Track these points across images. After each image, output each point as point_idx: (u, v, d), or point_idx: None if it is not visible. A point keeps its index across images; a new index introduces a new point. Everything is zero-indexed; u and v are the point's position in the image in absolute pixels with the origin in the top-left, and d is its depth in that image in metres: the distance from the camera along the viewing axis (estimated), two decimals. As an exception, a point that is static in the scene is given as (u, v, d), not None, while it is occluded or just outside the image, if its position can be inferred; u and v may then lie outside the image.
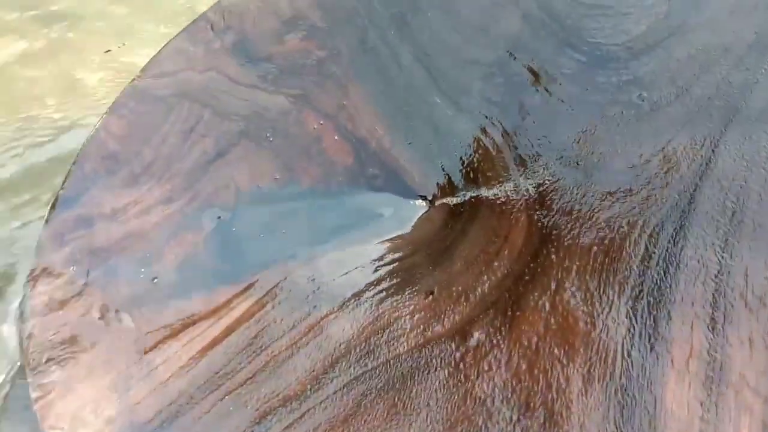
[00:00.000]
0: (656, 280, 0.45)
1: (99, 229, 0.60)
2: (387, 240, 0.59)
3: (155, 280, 0.57)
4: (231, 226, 0.60)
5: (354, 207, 0.61)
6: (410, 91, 0.65)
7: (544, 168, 0.55)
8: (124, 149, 0.65)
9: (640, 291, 0.45)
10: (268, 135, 0.65)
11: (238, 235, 0.59)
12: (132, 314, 0.54)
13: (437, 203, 0.61)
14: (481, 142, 0.60)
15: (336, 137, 0.64)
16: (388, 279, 0.55)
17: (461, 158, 0.61)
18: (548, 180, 0.54)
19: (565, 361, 0.43)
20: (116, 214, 0.61)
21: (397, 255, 0.57)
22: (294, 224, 0.60)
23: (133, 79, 0.71)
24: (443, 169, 0.61)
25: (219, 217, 0.61)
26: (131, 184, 0.63)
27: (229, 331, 0.53)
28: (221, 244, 0.59)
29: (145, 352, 0.52)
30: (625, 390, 0.41)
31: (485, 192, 0.58)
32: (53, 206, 0.62)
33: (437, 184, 0.61)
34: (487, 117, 0.60)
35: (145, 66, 0.72)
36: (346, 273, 0.56)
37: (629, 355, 0.42)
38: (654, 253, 0.46)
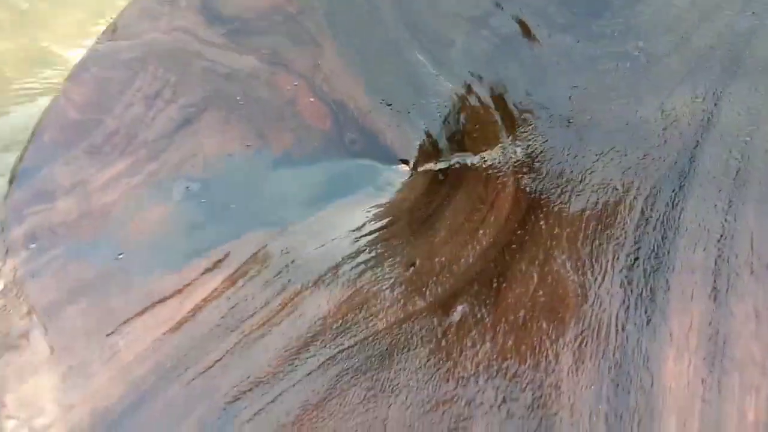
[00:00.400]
0: (653, 247, 0.41)
1: (59, 205, 0.56)
2: (366, 209, 0.55)
3: (120, 256, 0.53)
4: (200, 198, 0.56)
5: (331, 174, 0.57)
6: (390, 48, 0.60)
7: (533, 129, 0.51)
8: (85, 118, 0.61)
9: (636, 259, 0.41)
10: (238, 99, 0.61)
11: (208, 207, 0.55)
12: (94, 294, 0.51)
13: (420, 169, 0.57)
14: (466, 103, 0.56)
15: (311, 99, 0.60)
16: (366, 251, 0.51)
17: (445, 120, 0.57)
18: (537, 141, 0.50)
19: (554, 337, 0.40)
20: (77, 187, 0.57)
21: (376, 225, 0.53)
22: (267, 194, 0.56)
23: (96, 43, 0.66)
24: (426, 133, 0.57)
25: (187, 188, 0.57)
26: (93, 155, 0.59)
27: (197, 309, 0.49)
28: (190, 217, 0.55)
29: (108, 335, 0.48)
30: (620, 367, 0.38)
31: (471, 156, 0.54)
32: (11, 181, 0.58)
33: (420, 148, 0.57)
34: (472, 74, 0.56)
35: (108, 27, 0.67)
36: (323, 245, 0.52)
37: (624, 329, 0.39)
38: (651, 217, 0.42)
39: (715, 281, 0.38)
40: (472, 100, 0.55)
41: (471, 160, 0.54)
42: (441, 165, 0.56)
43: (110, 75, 0.63)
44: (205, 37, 0.64)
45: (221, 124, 0.60)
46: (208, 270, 0.51)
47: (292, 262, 0.51)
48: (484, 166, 0.53)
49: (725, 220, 0.40)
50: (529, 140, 0.51)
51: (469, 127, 0.55)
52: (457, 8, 0.58)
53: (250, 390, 0.44)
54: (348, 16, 0.62)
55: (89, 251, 0.53)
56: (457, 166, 0.55)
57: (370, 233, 0.53)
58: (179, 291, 0.50)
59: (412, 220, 0.53)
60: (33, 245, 0.54)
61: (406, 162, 0.57)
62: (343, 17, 0.62)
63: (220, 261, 0.52)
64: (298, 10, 0.64)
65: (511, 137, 0.52)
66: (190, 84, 0.61)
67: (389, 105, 0.58)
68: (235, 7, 0.65)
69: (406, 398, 0.41)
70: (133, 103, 0.61)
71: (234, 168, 0.57)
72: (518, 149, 0.51)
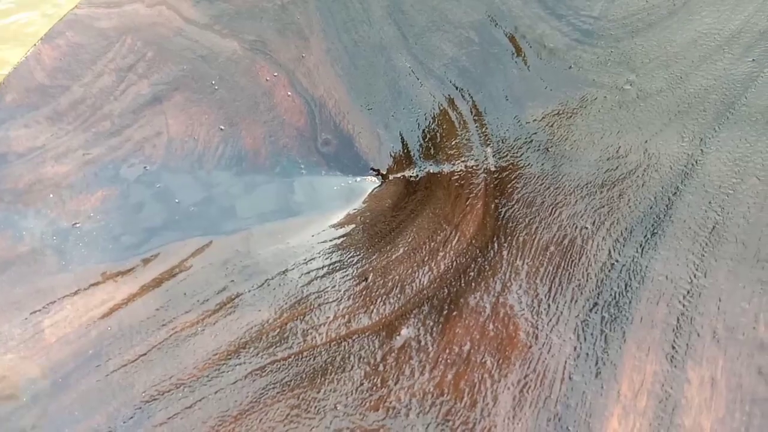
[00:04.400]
0: (615, 294, 0.38)
1: (10, 169, 0.53)
2: (330, 217, 0.52)
3: (76, 224, 0.50)
4: (155, 182, 0.53)
5: (297, 175, 0.54)
6: (378, 50, 0.57)
7: (510, 152, 0.48)
8: (53, 82, 0.58)
9: (595, 304, 0.38)
10: (213, 83, 0.58)
11: (162, 192, 0.52)
12: (26, 268, 0.48)
13: (391, 177, 0.54)
14: (447, 115, 0.53)
15: (289, 93, 0.57)
16: (320, 258, 0.48)
17: (424, 130, 0.54)
18: (513, 166, 0.47)
19: (496, 377, 0.37)
20: (32, 153, 0.54)
21: (336, 233, 0.51)
22: (226, 186, 0.53)
23: (75, 6, 0.64)
24: (402, 140, 0.54)
25: (145, 168, 0.54)
26: (54, 121, 0.56)
27: (131, 298, 0.46)
28: (140, 202, 0.52)
29: (32, 312, 0.45)
30: (560, 420, 0.35)
31: (444, 170, 0.51)
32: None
33: (393, 156, 0.54)
34: (457, 87, 0.53)
35: (91, -8, 0.64)
36: (275, 246, 0.49)
37: (570, 378, 0.36)
38: (617, 261, 0.40)
39: (674, 341, 0.35)
40: (453, 114, 0.52)
41: (444, 175, 0.51)
42: (412, 176, 0.53)
43: (85, 41, 0.60)
44: (189, 15, 0.61)
45: (191, 106, 0.57)
46: (150, 258, 0.49)
47: (240, 261, 0.48)
48: (455, 184, 0.50)
49: (694, 276, 0.37)
50: (505, 163, 0.48)
51: (445, 141, 0.52)
52: (450, 17, 0.55)
53: (169, 391, 0.41)
54: (339, 12, 0.59)
55: (29, 223, 0.50)
56: (428, 179, 0.52)
57: (328, 241, 0.50)
58: (117, 276, 0.47)
59: (374, 233, 0.50)
60: (-26, 208, 0.51)
61: (377, 172, 0.54)
62: (335, 12, 0.59)
63: (164, 252, 0.49)
64: (290, -1, 0.61)
65: (486, 157, 0.49)
66: (166, 61, 0.59)
67: (369, 108, 0.55)
68: (225, -13, 0.62)
69: (331, 423, 0.38)
70: (103, 73, 0.58)
71: (196, 154, 0.55)
72: (492, 171, 0.48)
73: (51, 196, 0.52)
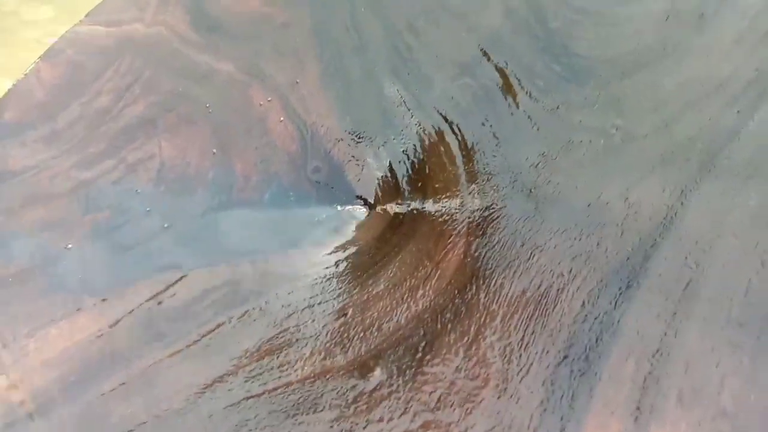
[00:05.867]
0: (585, 347, 0.38)
1: (4, 187, 0.54)
2: (315, 245, 0.53)
3: (69, 246, 0.51)
4: (145, 206, 0.54)
5: (286, 203, 0.55)
6: (371, 77, 0.57)
7: (494, 190, 0.48)
8: (52, 101, 0.59)
9: (565, 357, 0.38)
10: (207, 105, 0.58)
11: (151, 215, 0.53)
12: (17, 288, 0.49)
13: (379, 207, 0.54)
14: (435, 150, 0.53)
15: (281, 118, 0.58)
16: (302, 290, 0.49)
17: (412, 163, 0.54)
18: (496, 205, 0.48)
19: (463, 426, 0.37)
20: (27, 172, 0.55)
21: (320, 264, 0.51)
22: (215, 213, 0.54)
23: (77, 24, 0.64)
24: (391, 171, 0.55)
25: (137, 191, 0.55)
26: (51, 141, 0.57)
27: (114, 324, 0.47)
28: (130, 223, 0.53)
29: (23, 335, 0.46)
30: (521, 475, 0.35)
31: (430, 206, 0.52)
32: (-40, 155, 0.57)
33: (382, 187, 0.54)
34: (446, 120, 0.53)
35: (91, 11, 0.65)
36: (259, 277, 0.50)
37: (535, 433, 0.36)
38: (590, 313, 0.40)
39: (640, 400, 0.35)
40: (442, 148, 0.53)
41: (430, 209, 0.51)
42: (399, 209, 0.53)
43: (85, 60, 0.61)
44: (187, 36, 0.62)
45: (186, 129, 0.57)
46: (137, 286, 0.49)
47: (223, 292, 0.49)
48: (440, 219, 0.50)
49: (665, 333, 0.37)
50: (489, 202, 0.48)
51: (433, 174, 0.52)
52: (445, 49, 0.55)
53: (144, 423, 0.42)
54: (336, 36, 0.59)
55: (22, 244, 0.52)
56: (414, 213, 0.52)
57: (311, 273, 0.50)
58: (102, 302, 0.48)
59: (357, 265, 0.51)
60: (-31, 226, 0.52)
61: (365, 201, 0.54)
62: (331, 36, 0.60)
63: (151, 279, 0.50)
64: (287, 21, 0.62)
65: (472, 195, 0.49)
66: (162, 82, 0.59)
67: (360, 137, 0.56)
68: (223, 9, 0.63)
69: (299, 465, 0.39)
70: (102, 92, 0.59)
71: (186, 180, 0.55)
72: (476, 209, 0.49)
73: (44, 216, 0.53)
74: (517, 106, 0.50)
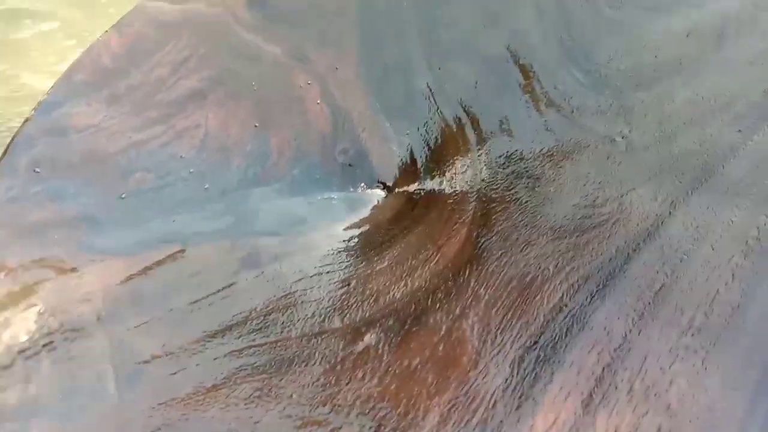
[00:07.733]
0: (556, 336, 0.41)
1: (67, 141, 0.61)
2: (332, 221, 0.57)
3: (123, 196, 0.58)
4: (188, 167, 0.60)
5: (312, 179, 0.60)
6: (403, 67, 0.61)
7: (503, 183, 0.51)
8: (116, 67, 0.66)
9: (535, 342, 0.41)
10: (253, 83, 0.63)
11: (193, 177, 0.59)
12: (66, 231, 0.55)
13: (395, 191, 0.58)
14: (454, 140, 0.57)
15: (318, 101, 0.62)
16: (314, 259, 0.53)
17: (433, 151, 0.57)
18: (502, 197, 0.51)
19: (432, 392, 0.41)
20: (87, 129, 0.62)
21: (335, 238, 0.55)
22: (248, 182, 0.59)
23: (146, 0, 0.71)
24: (411, 158, 0.58)
25: (181, 156, 0.61)
26: (111, 104, 0.64)
27: (144, 272, 0.53)
28: (171, 186, 0.58)
29: (69, 270, 0.53)
30: (475, 442, 0.39)
31: (443, 191, 0.55)
32: (34, 109, 0.64)
33: (401, 171, 0.58)
34: (468, 114, 0.57)
35: (162, -13, 0.71)
36: (277, 244, 0.55)
37: (494, 406, 0.39)
38: (566, 306, 0.42)
39: (593, 389, 0.38)
40: (460, 140, 0.56)
41: (440, 197, 0.55)
42: (414, 194, 0.57)
43: (149, 33, 0.67)
44: (242, 17, 0.67)
45: (231, 103, 0.63)
46: (171, 239, 0.55)
47: (244, 252, 0.54)
48: (448, 207, 0.53)
49: (630, 331, 0.40)
50: (496, 195, 0.51)
51: (449, 165, 0.56)
52: (473, 45, 0.58)
53: (159, 357, 0.47)
54: (377, 27, 0.63)
55: (80, 191, 0.58)
56: (428, 198, 0.56)
57: (325, 245, 0.55)
58: (134, 254, 0.54)
59: (367, 243, 0.55)
60: (36, 170, 0.59)
61: (383, 184, 0.58)
62: (373, 27, 0.64)
63: (182, 233, 0.55)
64: (335, 10, 0.66)
65: (482, 185, 0.53)
66: (215, 59, 0.65)
67: (387, 124, 0.60)
68: (280, -5, 0.67)
69: (284, 408, 0.43)
70: (161, 63, 0.65)
71: (226, 151, 0.61)
72: (483, 200, 0.52)
73: (99, 171, 0.60)
74: (534, 106, 0.53)
